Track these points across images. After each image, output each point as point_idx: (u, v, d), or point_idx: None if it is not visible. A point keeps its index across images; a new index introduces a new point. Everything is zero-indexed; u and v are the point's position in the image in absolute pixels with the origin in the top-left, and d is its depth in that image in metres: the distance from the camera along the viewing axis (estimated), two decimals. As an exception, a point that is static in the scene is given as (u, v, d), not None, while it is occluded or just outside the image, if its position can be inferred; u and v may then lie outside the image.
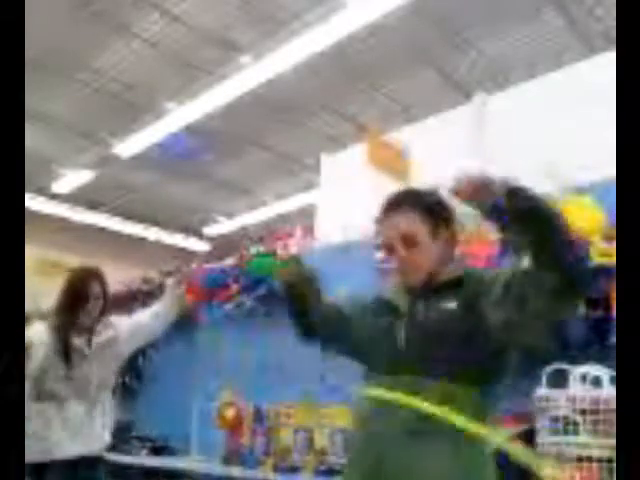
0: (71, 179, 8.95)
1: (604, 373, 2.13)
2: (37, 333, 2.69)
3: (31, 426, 2.53)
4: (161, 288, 4.82)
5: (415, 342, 1.52)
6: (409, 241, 1.57)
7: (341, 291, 2.07)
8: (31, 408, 2.56)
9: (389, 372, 1.53)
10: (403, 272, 1.60)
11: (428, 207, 1.59)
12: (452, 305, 1.50)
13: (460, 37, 5.99)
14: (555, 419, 2.11)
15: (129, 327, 2.88)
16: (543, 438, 2.12)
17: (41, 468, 2.54)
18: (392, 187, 1.66)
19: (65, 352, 2.64)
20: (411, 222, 1.57)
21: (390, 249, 1.61)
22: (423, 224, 1.57)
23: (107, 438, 2.77)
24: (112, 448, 3.16)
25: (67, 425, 2.60)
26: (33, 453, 2.46)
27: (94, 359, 2.71)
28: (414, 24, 5.67)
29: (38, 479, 2.53)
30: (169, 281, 3.09)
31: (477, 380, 1.48)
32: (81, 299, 2.71)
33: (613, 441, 1.41)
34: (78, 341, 2.69)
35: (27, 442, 2.48)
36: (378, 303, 1.69)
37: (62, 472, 2.57)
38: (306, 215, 7.49)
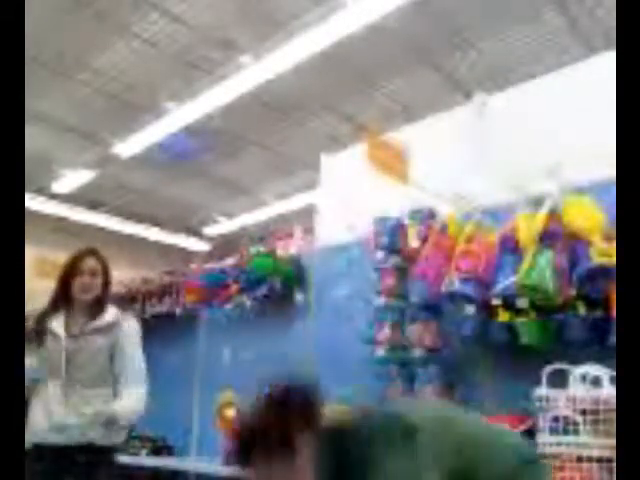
0: (71, 179, 8.94)
1: (604, 373, 2.13)
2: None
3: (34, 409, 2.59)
4: (161, 288, 4.85)
5: None
6: None
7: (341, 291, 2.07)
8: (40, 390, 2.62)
9: None
10: None
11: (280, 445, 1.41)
12: None
13: (460, 37, 5.99)
14: (555, 419, 2.11)
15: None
16: (543, 438, 2.12)
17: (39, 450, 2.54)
18: (392, 187, 1.65)
19: (38, 331, 2.68)
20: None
21: None
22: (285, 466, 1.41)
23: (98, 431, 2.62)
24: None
25: (61, 404, 2.59)
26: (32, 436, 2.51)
27: (93, 342, 2.67)
28: (414, 24, 5.66)
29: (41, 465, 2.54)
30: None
31: None
32: (73, 272, 2.72)
33: (613, 441, 1.41)
34: (67, 320, 2.70)
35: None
36: None
37: (50, 458, 2.55)
38: (306, 215, 7.49)
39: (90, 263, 2.76)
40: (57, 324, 2.70)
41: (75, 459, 2.58)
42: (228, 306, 4.03)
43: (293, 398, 1.47)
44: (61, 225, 9.98)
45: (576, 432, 2.04)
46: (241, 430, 1.51)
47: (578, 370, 2.20)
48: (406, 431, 1.39)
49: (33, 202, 9.11)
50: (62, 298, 2.75)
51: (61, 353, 2.64)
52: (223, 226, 10.85)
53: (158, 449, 4.17)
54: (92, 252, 2.81)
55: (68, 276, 2.75)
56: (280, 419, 1.43)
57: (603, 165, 2.03)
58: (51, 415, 2.59)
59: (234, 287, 3.96)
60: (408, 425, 1.41)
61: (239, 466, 1.47)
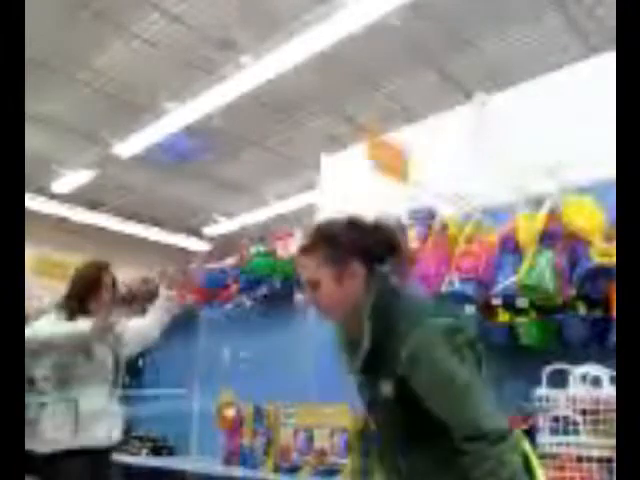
0: (71, 179, 8.94)
1: (604, 373, 2.13)
2: (45, 325, 2.74)
3: (56, 413, 2.63)
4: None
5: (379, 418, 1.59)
6: (312, 284, 1.59)
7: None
8: (59, 398, 2.66)
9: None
10: (320, 311, 1.64)
11: (333, 244, 1.57)
12: (388, 389, 1.49)
13: (460, 37, 5.99)
14: (555, 419, 2.11)
15: (132, 329, 2.95)
16: (543, 438, 2.12)
17: (66, 455, 2.61)
18: (392, 187, 1.65)
19: (96, 329, 2.72)
20: (313, 264, 1.58)
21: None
22: (326, 264, 1.56)
23: (121, 425, 2.84)
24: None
25: (94, 410, 2.68)
26: (58, 439, 2.59)
27: (110, 346, 2.79)
28: (414, 24, 5.66)
29: (54, 465, 2.58)
30: (162, 289, 3.16)
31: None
32: (94, 288, 2.83)
33: (613, 441, 1.42)
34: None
35: (51, 430, 2.57)
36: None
37: (86, 458, 2.62)
38: (306, 215, 7.49)
39: (107, 280, 2.90)
40: None
41: (77, 463, 2.63)
42: (228, 306, 4.03)
43: (379, 230, 1.60)
44: (61, 225, 9.98)
45: (576, 432, 2.04)
46: (319, 225, 1.65)
47: (578, 370, 2.20)
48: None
49: (33, 202, 9.11)
50: (81, 309, 2.80)
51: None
52: (223, 226, 10.85)
53: (158, 449, 4.17)
54: (107, 267, 2.95)
55: (88, 289, 2.83)
56: (355, 234, 1.57)
57: (603, 165, 2.03)
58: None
59: (234, 287, 3.95)
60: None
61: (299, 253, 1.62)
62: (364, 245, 1.57)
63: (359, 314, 1.52)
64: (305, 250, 1.61)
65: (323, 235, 1.60)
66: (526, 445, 1.48)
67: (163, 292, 3.11)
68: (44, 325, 2.79)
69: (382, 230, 1.60)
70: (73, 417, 2.63)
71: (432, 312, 1.53)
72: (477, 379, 1.42)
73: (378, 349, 1.49)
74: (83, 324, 2.70)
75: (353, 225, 1.59)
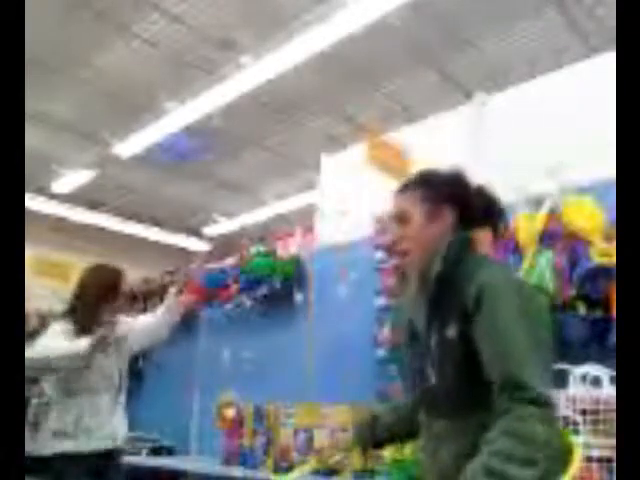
0: (71, 179, 8.93)
1: (604, 373, 2.14)
2: (57, 335, 2.69)
3: (61, 419, 2.63)
4: (161, 288, 4.85)
5: (438, 377, 1.50)
6: (402, 219, 1.57)
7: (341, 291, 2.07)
8: (65, 403, 2.66)
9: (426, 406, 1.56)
10: (399, 251, 1.59)
11: (432, 186, 1.57)
12: (452, 332, 1.44)
13: (460, 37, 5.99)
14: (555, 419, 2.10)
15: (139, 326, 2.95)
16: (543, 438, 2.11)
17: (68, 459, 2.60)
18: (392, 187, 1.65)
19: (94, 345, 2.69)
20: (408, 201, 1.58)
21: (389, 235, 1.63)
22: (421, 202, 1.55)
23: (126, 430, 2.87)
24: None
25: (99, 416, 2.69)
26: (63, 444, 2.58)
27: (113, 352, 2.77)
28: (414, 24, 5.66)
29: (63, 469, 2.59)
30: (172, 288, 3.16)
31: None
32: (111, 296, 2.77)
33: (613, 441, 1.41)
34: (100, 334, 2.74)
35: (56, 434, 2.57)
36: (406, 329, 1.65)
37: (89, 462, 2.63)
38: (306, 215, 7.49)
39: (124, 289, 2.86)
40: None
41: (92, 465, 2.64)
42: (228, 306, 4.03)
43: (481, 193, 1.59)
44: (61, 225, 9.98)
45: (576, 432, 2.04)
46: (422, 170, 1.64)
47: (578, 370, 2.20)
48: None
49: (33, 202, 9.11)
50: (94, 317, 2.75)
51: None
52: (223, 226, 10.84)
53: (158, 449, 4.17)
54: (123, 276, 2.88)
55: (105, 298, 2.76)
56: (457, 188, 1.57)
57: (603, 165, 2.03)
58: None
59: (234, 287, 3.96)
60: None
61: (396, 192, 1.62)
62: (462, 200, 1.56)
63: (434, 258, 1.51)
64: (404, 187, 1.61)
65: (425, 179, 1.60)
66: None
67: (172, 293, 3.09)
68: (47, 345, 2.62)
69: (484, 195, 1.59)
70: (78, 422, 2.63)
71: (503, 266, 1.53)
72: (538, 340, 1.36)
73: (446, 287, 1.47)
74: (80, 343, 2.55)
75: (457, 179, 1.59)
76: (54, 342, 2.58)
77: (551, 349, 1.42)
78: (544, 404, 1.27)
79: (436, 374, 1.49)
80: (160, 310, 3.06)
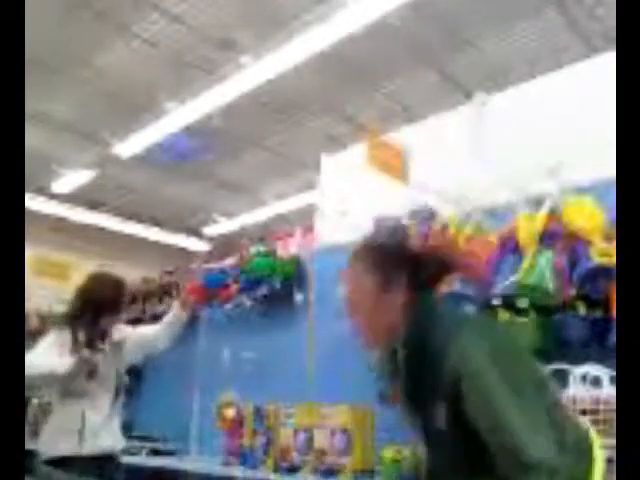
0: (71, 179, 8.93)
1: (604, 373, 2.13)
2: (50, 347, 2.69)
3: (62, 421, 2.65)
4: (161, 288, 4.85)
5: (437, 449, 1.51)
6: (355, 292, 1.59)
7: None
8: (64, 404, 2.67)
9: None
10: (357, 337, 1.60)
11: (379, 255, 1.58)
12: (440, 413, 1.41)
13: (460, 37, 5.99)
14: (555, 419, 2.10)
15: (135, 337, 2.95)
16: (543, 438, 2.11)
17: (69, 461, 2.61)
18: (392, 187, 1.65)
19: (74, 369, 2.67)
20: (359, 275, 1.58)
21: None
22: (372, 274, 1.55)
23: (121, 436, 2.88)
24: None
25: (97, 418, 2.69)
26: (64, 446, 2.59)
27: (111, 357, 2.78)
28: (414, 24, 5.66)
29: (63, 471, 2.60)
30: (175, 302, 3.18)
31: None
32: (114, 308, 2.80)
33: (613, 441, 1.41)
34: (97, 340, 2.74)
35: (57, 436, 2.57)
36: None
37: (89, 465, 2.63)
38: (306, 215, 7.49)
39: (125, 300, 2.93)
40: None
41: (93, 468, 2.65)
42: (228, 306, 4.03)
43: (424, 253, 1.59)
44: (61, 225, 9.97)
45: (576, 432, 2.04)
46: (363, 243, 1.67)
47: (578, 370, 2.20)
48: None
49: (33, 202, 9.11)
50: (92, 325, 2.76)
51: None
52: (223, 226, 10.84)
53: (158, 449, 4.17)
54: (125, 287, 2.93)
55: (107, 309, 2.78)
56: (397, 249, 1.60)
57: (603, 165, 2.03)
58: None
59: (234, 287, 3.95)
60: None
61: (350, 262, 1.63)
62: (413, 260, 1.56)
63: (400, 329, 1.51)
64: (352, 261, 1.63)
65: (369, 249, 1.63)
66: (597, 449, 1.41)
67: (175, 306, 3.12)
68: (31, 361, 2.47)
69: (431, 249, 1.66)
70: (79, 426, 2.63)
71: (472, 323, 1.53)
72: (528, 394, 1.34)
73: (420, 358, 1.45)
74: (64, 362, 2.53)
75: (400, 240, 1.66)
76: (38, 359, 2.54)
77: (543, 384, 1.42)
78: (546, 471, 1.28)
79: (434, 445, 1.50)
80: (161, 324, 3.08)
